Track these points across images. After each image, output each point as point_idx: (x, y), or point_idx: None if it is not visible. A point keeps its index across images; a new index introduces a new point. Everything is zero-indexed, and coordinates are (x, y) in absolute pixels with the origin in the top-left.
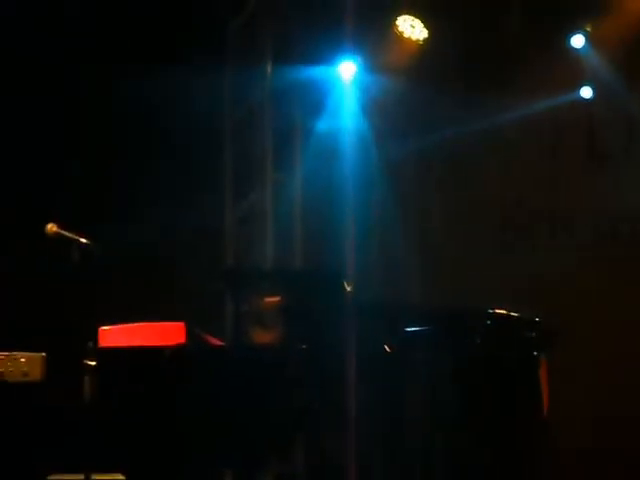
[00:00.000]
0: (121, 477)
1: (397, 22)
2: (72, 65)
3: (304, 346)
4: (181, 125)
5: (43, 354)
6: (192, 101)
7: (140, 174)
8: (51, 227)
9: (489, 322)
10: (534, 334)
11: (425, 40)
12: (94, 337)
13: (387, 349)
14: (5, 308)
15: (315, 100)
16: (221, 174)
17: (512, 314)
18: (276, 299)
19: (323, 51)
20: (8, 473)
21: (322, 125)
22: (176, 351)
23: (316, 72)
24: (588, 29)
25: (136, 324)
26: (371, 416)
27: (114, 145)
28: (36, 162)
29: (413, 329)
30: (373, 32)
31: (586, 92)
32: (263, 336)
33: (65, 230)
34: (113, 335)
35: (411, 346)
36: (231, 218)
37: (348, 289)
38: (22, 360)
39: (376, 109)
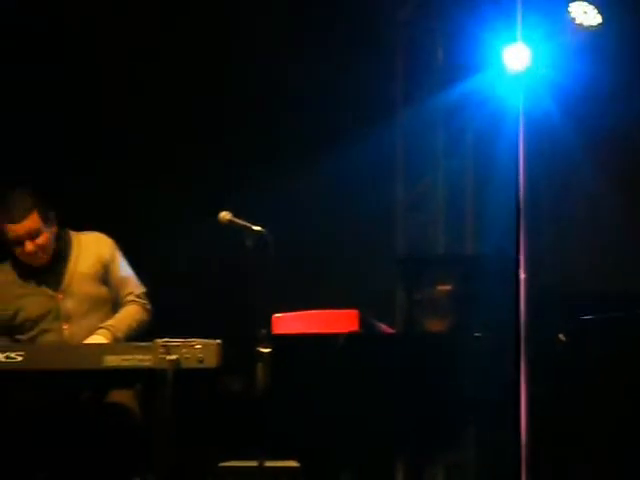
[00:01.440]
0: (295, 464)
1: (570, 8)
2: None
3: (477, 334)
4: (352, 114)
5: (219, 341)
6: (362, 91)
7: (315, 162)
8: (224, 215)
9: None
10: None
11: (598, 26)
12: (267, 324)
13: (562, 338)
14: (181, 295)
15: (485, 87)
16: (392, 161)
17: None
18: (448, 286)
19: (493, 39)
20: (183, 458)
21: (493, 112)
22: (350, 338)
23: (486, 60)
24: None
25: (309, 311)
26: (545, 409)
27: (285, 136)
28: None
29: (589, 317)
30: (545, 19)
31: None
32: (435, 324)
33: (238, 218)
34: (286, 322)
35: (587, 335)
36: (402, 205)
37: (522, 275)
38: (198, 347)
39: (548, 96)
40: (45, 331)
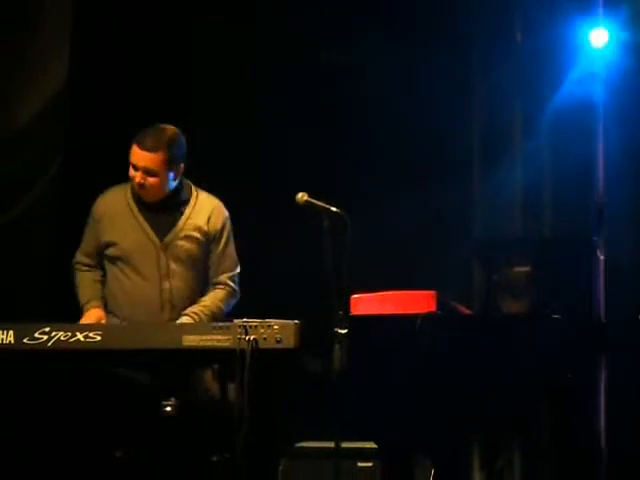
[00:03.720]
0: (372, 445)
1: None
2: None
3: (556, 316)
4: (429, 100)
5: (296, 321)
6: (438, 77)
7: (391, 147)
8: (302, 196)
9: None
10: None
11: None
12: (345, 305)
13: None
14: (260, 276)
15: (564, 69)
16: (469, 144)
17: None
18: (526, 268)
19: (573, 21)
20: (259, 438)
21: (572, 94)
22: (428, 319)
23: (565, 40)
24: None
25: (387, 292)
26: (624, 391)
27: (360, 125)
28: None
29: None
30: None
31: None
32: (513, 306)
33: (316, 199)
34: (364, 303)
35: None
36: (479, 187)
37: (601, 257)
38: (275, 327)
39: (626, 78)
40: (143, 278)
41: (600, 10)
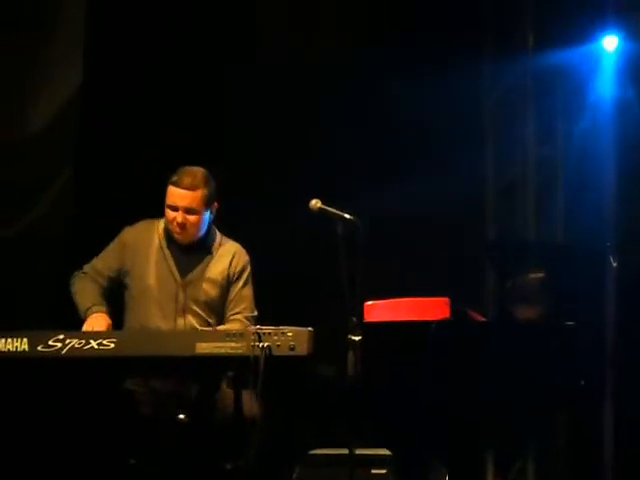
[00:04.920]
0: (386, 452)
1: None
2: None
3: (570, 323)
4: (441, 101)
5: (310, 329)
6: (450, 77)
7: (403, 147)
8: (315, 203)
9: None
10: None
11: None
12: (359, 312)
13: None
14: (274, 283)
15: (578, 75)
16: (482, 148)
17: None
18: (541, 274)
19: (585, 25)
20: (273, 446)
21: (585, 99)
22: (441, 326)
23: (578, 47)
24: None
25: (400, 299)
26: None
27: (369, 127)
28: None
29: None
30: (636, 2)
31: None
32: (526, 312)
33: (329, 206)
34: (377, 310)
35: None
36: (493, 192)
37: (614, 264)
38: (289, 334)
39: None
40: (158, 308)
41: (612, 15)
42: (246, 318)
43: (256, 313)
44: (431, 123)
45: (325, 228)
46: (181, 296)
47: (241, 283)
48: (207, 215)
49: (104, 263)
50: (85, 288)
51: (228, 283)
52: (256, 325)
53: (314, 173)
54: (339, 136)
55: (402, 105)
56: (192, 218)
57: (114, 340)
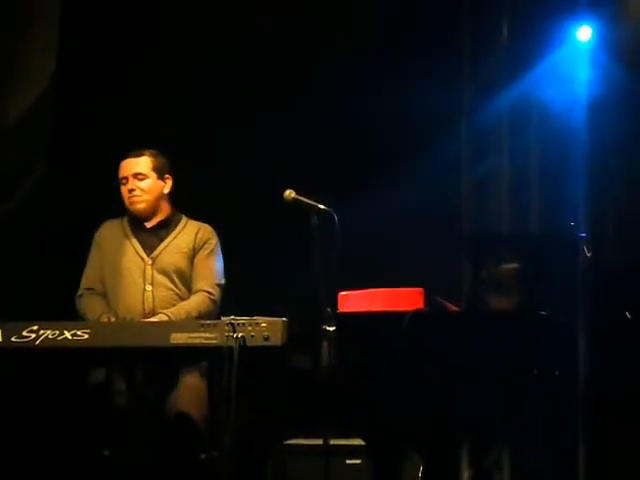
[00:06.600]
0: (360, 443)
1: None
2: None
3: (543, 313)
4: (418, 95)
5: (284, 319)
6: (427, 73)
7: (378, 143)
8: (289, 193)
9: None
10: None
11: None
12: (333, 302)
13: (628, 316)
14: (247, 273)
15: (551, 65)
16: (456, 141)
17: None
18: (515, 265)
19: (558, 16)
20: (248, 436)
21: (557, 90)
22: (415, 316)
23: (551, 37)
24: None
25: (375, 289)
26: (608, 384)
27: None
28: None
29: None
30: None
31: None
32: (501, 302)
33: (304, 197)
34: (352, 300)
35: None
36: (467, 184)
37: (588, 254)
38: (263, 325)
39: (612, 73)
40: (129, 287)
41: (585, 6)
42: (209, 286)
43: (223, 281)
44: (409, 117)
45: (300, 218)
46: (149, 270)
47: (206, 253)
48: (160, 185)
49: (91, 273)
50: (88, 306)
51: (194, 253)
52: (218, 294)
53: (286, 165)
54: (313, 130)
55: (380, 101)
56: (142, 184)
57: (88, 331)
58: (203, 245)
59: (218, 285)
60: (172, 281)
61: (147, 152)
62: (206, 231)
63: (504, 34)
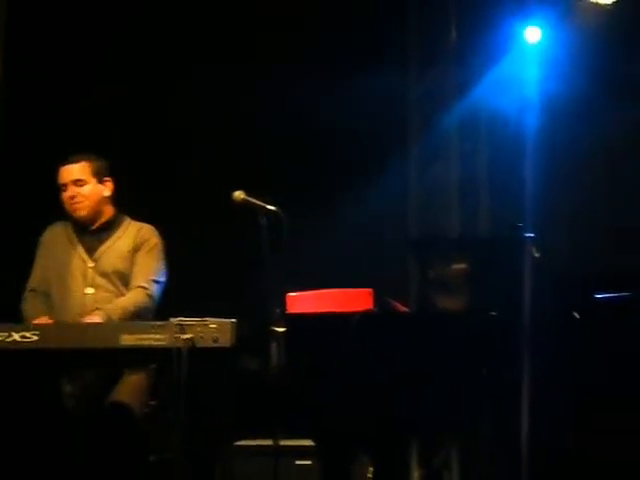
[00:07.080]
0: (310, 443)
1: None
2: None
3: (492, 313)
4: (364, 98)
5: (233, 320)
6: (374, 74)
7: (327, 146)
8: (239, 194)
9: None
10: None
11: (614, 4)
12: (282, 303)
13: (576, 316)
14: (195, 275)
15: (499, 67)
16: (405, 144)
17: None
18: (463, 266)
19: (507, 17)
20: (198, 438)
21: (506, 92)
22: (364, 317)
23: (500, 39)
24: None
25: (324, 290)
26: (556, 385)
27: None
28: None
29: (606, 295)
30: None
31: None
32: (450, 303)
33: (252, 197)
34: (301, 301)
35: (604, 314)
36: (415, 186)
37: (536, 255)
38: (212, 326)
39: (561, 74)
40: (70, 290)
41: (533, 7)
42: (145, 282)
43: (162, 279)
44: (357, 121)
45: (248, 220)
46: (89, 273)
47: (144, 251)
48: (100, 189)
49: (35, 275)
50: (29, 308)
51: (134, 251)
52: (154, 289)
53: (236, 168)
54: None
55: (327, 107)
56: (82, 190)
57: (37, 333)
58: (142, 244)
59: (154, 281)
60: (113, 283)
61: (85, 157)
62: (147, 231)
63: (452, 37)
